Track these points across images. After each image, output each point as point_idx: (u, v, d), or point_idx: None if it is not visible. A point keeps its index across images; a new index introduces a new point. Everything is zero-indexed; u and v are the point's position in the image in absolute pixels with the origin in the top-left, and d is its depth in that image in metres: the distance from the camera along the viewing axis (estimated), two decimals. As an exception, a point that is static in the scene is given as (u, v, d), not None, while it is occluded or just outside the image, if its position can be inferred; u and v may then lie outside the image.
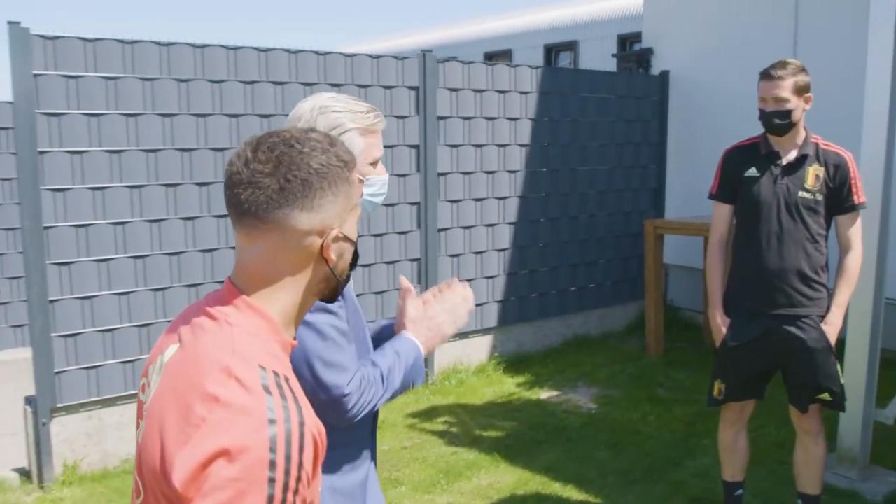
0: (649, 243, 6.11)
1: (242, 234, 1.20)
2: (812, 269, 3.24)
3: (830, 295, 3.29)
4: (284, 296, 1.21)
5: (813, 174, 3.22)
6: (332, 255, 1.23)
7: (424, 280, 5.63)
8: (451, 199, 5.75)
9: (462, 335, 5.94)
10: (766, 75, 3.19)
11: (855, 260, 3.27)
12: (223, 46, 4.75)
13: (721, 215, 3.43)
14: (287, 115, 4.83)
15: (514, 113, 5.99)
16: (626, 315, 6.92)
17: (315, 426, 1.12)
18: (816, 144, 3.27)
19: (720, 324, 3.38)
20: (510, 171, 6.03)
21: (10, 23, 4.11)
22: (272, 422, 1.06)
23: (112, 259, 4.46)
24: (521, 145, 6.06)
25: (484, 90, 5.83)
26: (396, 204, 5.47)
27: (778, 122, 3.17)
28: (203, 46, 4.68)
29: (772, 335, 3.27)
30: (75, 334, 4.37)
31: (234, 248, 4.92)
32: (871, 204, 3.80)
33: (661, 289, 6.17)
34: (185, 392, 1.11)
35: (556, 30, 11.54)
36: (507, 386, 5.69)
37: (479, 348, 6.08)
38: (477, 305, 5.96)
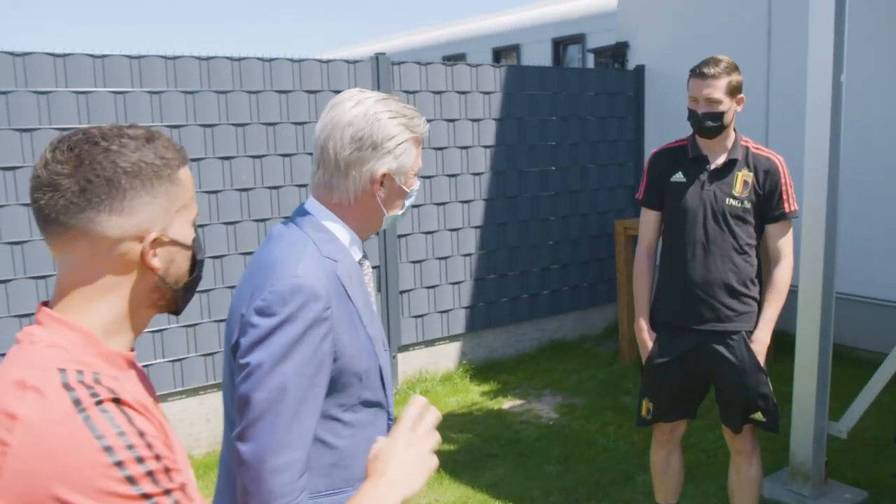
0: (620, 244, 5.93)
1: (51, 244, 1.10)
2: (740, 281, 3.04)
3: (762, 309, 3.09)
4: (103, 307, 1.11)
5: (742, 180, 3.02)
6: (157, 263, 1.12)
7: (385, 287, 5.50)
8: (412, 205, 5.59)
9: (428, 343, 5.81)
10: (697, 73, 2.97)
11: (785, 272, 3.06)
12: (195, 57, 4.71)
13: (648, 222, 3.24)
14: (235, 124, 4.82)
15: (476, 114, 5.83)
16: (604, 318, 6.73)
17: (133, 399, 1.03)
18: (747, 148, 3.07)
19: (646, 339, 3.20)
20: (474, 174, 5.87)
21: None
22: (83, 410, 0.97)
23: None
24: (486, 147, 5.90)
25: (443, 91, 5.67)
26: (352, 211, 5.34)
27: (710, 124, 2.96)
28: (175, 58, 4.64)
29: (699, 351, 3.09)
30: None
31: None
32: (817, 200, 3.62)
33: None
34: None
35: (564, 23, 11.41)
36: (472, 395, 5.54)
37: (447, 356, 5.94)
38: (443, 312, 5.84)
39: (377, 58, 5.37)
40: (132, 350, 1.18)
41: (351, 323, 1.60)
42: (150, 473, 0.98)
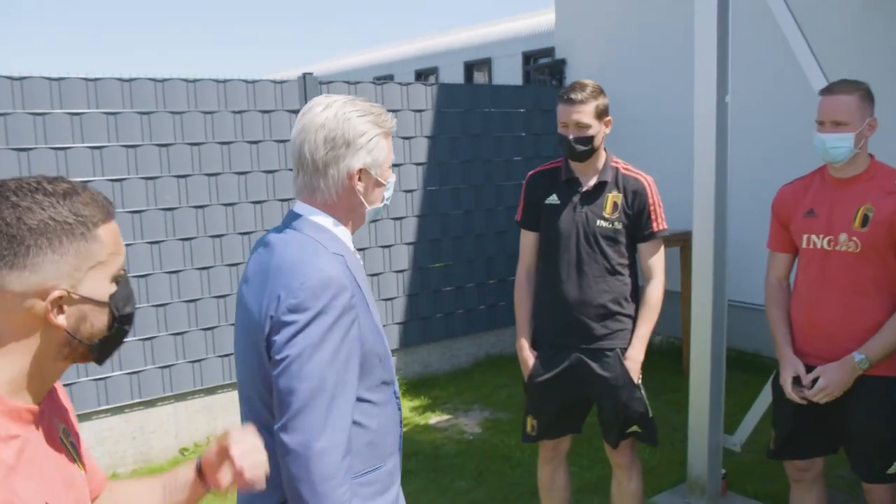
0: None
1: None
2: (613, 300, 3.11)
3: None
4: (5, 363, 1.10)
5: (611, 201, 3.10)
6: (62, 320, 1.12)
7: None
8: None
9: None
10: (565, 99, 3.03)
11: (656, 290, 3.14)
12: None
13: (527, 243, 3.31)
14: (158, 145, 4.89)
15: (408, 132, 5.90)
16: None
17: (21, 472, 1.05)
18: (617, 169, 3.14)
19: (526, 357, 3.26)
20: (406, 191, 5.94)
21: None
22: None
23: None
24: (418, 164, 5.98)
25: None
26: (281, 229, 5.40)
27: (580, 148, 3.03)
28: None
29: (577, 369, 3.15)
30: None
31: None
32: (706, 212, 3.69)
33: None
34: None
35: (534, 37, 11.66)
36: (402, 411, 5.58)
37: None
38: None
39: (304, 77, 5.44)
40: (40, 404, 1.18)
41: (366, 310, 1.73)
42: None
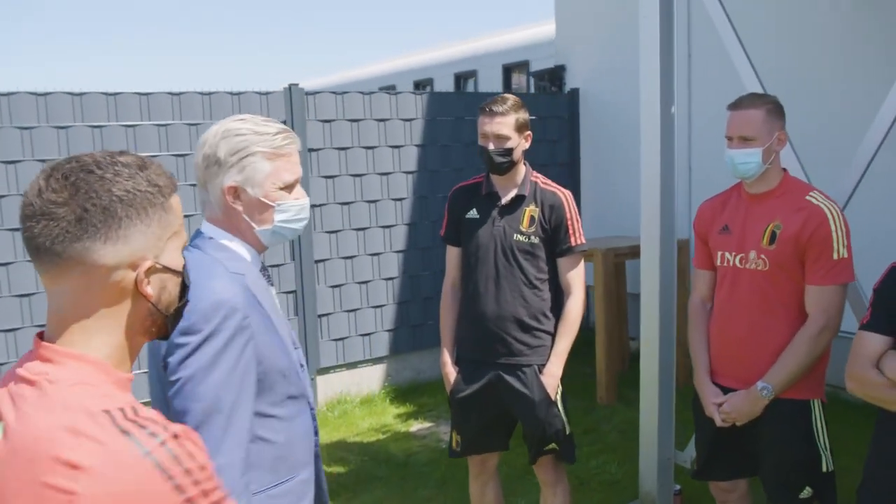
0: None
1: (44, 274, 1.10)
2: (531, 315, 3.09)
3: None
4: (104, 337, 1.11)
5: (528, 215, 3.09)
6: (150, 290, 1.13)
7: (302, 311, 5.65)
8: (329, 230, 5.75)
9: (350, 365, 5.94)
10: (486, 111, 3.04)
11: (575, 305, 3.11)
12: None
13: (451, 259, 3.32)
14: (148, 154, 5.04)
15: (397, 140, 5.95)
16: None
17: (183, 429, 1.08)
18: (536, 184, 3.14)
19: (448, 372, 3.27)
20: (396, 199, 5.99)
21: None
22: (148, 453, 1.00)
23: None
24: (407, 172, 6.02)
25: (361, 119, 5.81)
26: (267, 237, 5.50)
27: (499, 159, 3.03)
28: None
29: (496, 385, 3.15)
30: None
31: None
32: (652, 217, 3.65)
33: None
34: (30, 483, 0.99)
35: (512, 51, 12.53)
36: (387, 417, 5.64)
37: (370, 378, 6.05)
38: (365, 335, 5.96)
39: (290, 88, 5.54)
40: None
41: (266, 328, 1.75)
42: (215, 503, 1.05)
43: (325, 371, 5.82)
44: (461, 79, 13.16)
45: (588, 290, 6.61)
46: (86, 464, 0.97)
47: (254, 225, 1.84)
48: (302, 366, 1.99)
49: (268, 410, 1.77)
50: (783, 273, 2.66)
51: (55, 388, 1.04)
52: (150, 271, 1.13)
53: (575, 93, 6.72)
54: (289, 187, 1.85)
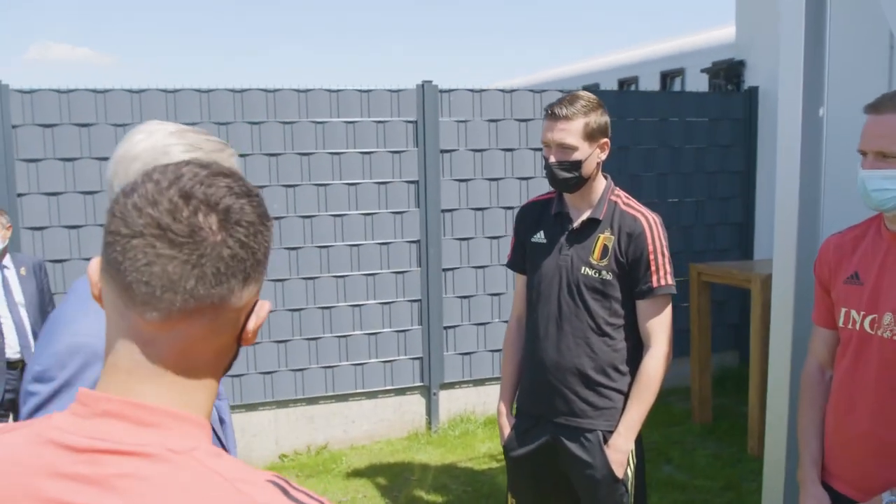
0: (693, 291, 5.24)
1: (155, 317, 0.83)
2: (598, 369, 2.52)
3: None
4: (203, 395, 0.89)
5: (601, 244, 2.52)
6: (255, 337, 0.94)
7: (427, 322, 5.34)
8: (460, 237, 5.39)
9: (476, 382, 5.55)
10: (549, 113, 2.49)
11: (654, 362, 2.49)
12: (196, 90, 4.89)
13: (518, 290, 2.80)
14: (268, 154, 4.95)
15: (538, 143, 5.45)
16: (720, 364, 5.95)
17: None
18: (615, 204, 2.56)
19: (503, 425, 2.74)
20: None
21: (-9, 80, 4.58)
22: None
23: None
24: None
25: (500, 119, 5.39)
26: (392, 242, 5.25)
27: (563, 174, 2.47)
28: (175, 91, 4.85)
29: (553, 448, 2.61)
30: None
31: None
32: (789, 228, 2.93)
33: (706, 345, 5.26)
34: None
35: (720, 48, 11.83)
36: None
37: (497, 396, 5.61)
38: (495, 351, 5.53)
39: (423, 85, 5.22)
40: None
41: None
42: None
43: (448, 386, 5.48)
44: (667, 77, 12.62)
45: (732, 327, 5.85)
46: None
47: None
48: (223, 421, 1.68)
49: None
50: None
51: (188, 461, 0.80)
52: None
53: (753, 91, 5.86)
54: None
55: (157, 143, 1.49)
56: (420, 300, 5.34)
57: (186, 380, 0.86)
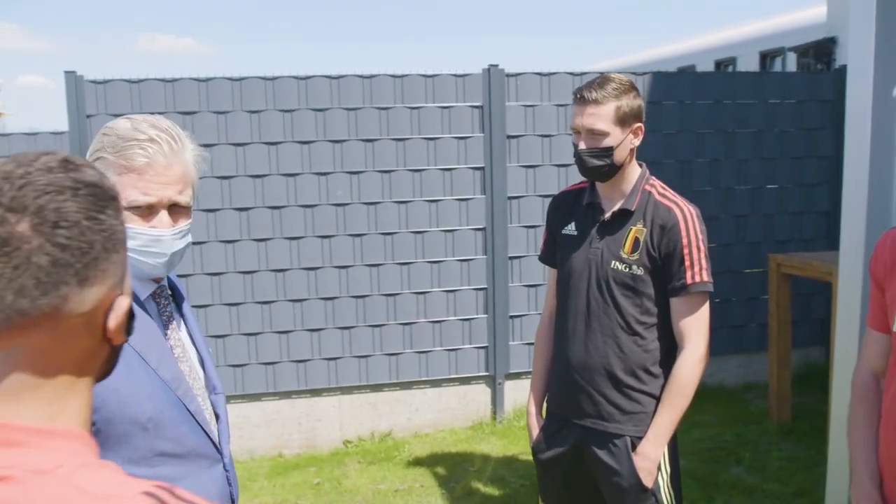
0: (772, 283, 4.96)
1: None
2: (627, 370, 2.38)
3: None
4: (75, 402, 0.84)
5: (633, 237, 2.37)
6: (122, 334, 0.89)
7: (493, 310, 5.25)
8: (527, 225, 5.27)
9: (543, 372, 5.43)
10: (577, 97, 2.35)
11: (687, 365, 2.33)
12: (261, 78, 4.93)
13: (550, 284, 2.67)
14: (332, 140, 4.94)
15: (610, 127, 5.27)
16: (804, 360, 5.66)
17: None
18: (650, 194, 2.40)
19: (532, 425, 2.63)
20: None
21: (66, 72, 4.73)
22: None
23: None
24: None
25: (569, 104, 5.20)
26: (457, 229, 5.18)
27: (594, 162, 2.33)
28: (241, 79, 4.90)
29: (581, 452, 2.48)
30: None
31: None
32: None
33: (786, 340, 4.98)
34: None
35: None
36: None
37: (565, 388, 5.49)
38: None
39: (489, 70, 5.11)
40: None
41: (125, 365, 1.37)
42: None
43: (514, 376, 5.38)
44: (766, 57, 12.22)
45: (818, 322, 5.50)
46: None
47: None
48: (218, 417, 1.66)
49: (124, 469, 1.40)
50: None
51: (59, 475, 0.76)
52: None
53: (843, 71, 5.48)
54: (140, 210, 1.48)
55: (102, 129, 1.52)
56: (485, 288, 5.25)
57: (50, 392, 0.82)
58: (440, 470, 4.65)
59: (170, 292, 1.66)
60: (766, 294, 5.22)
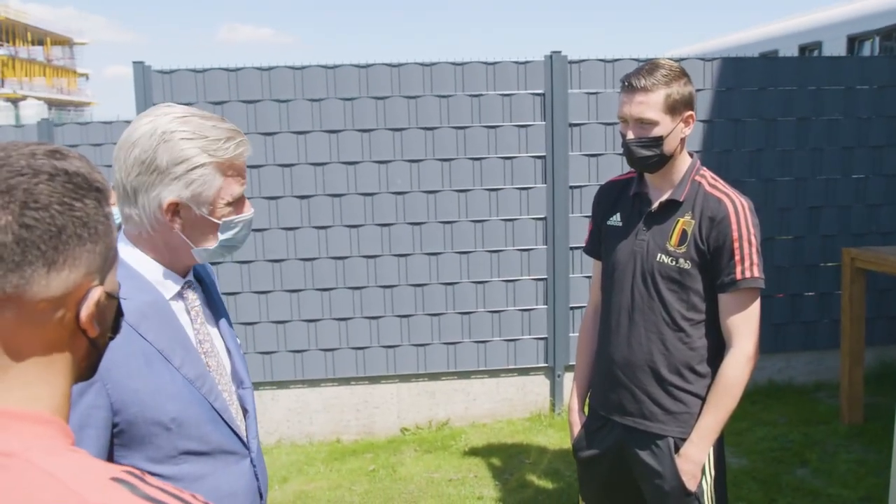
0: (846, 278, 4.74)
1: None
2: (672, 368, 2.29)
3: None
4: (48, 390, 0.84)
5: (680, 229, 2.28)
6: (95, 326, 0.87)
7: (552, 301, 5.18)
8: (589, 215, 5.13)
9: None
10: (625, 85, 2.26)
11: (734, 364, 2.23)
12: (322, 66, 4.95)
13: (595, 277, 2.61)
14: (392, 129, 4.93)
15: (676, 115, 5.11)
16: (879, 359, 5.41)
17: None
18: (700, 185, 2.30)
19: (573, 422, 2.58)
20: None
21: (134, 62, 4.85)
22: None
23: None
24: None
25: (634, 91, 5.08)
26: (517, 218, 5.12)
27: (642, 152, 2.24)
28: (302, 68, 4.94)
29: (622, 451, 2.41)
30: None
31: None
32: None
33: (859, 338, 4.76)
34: None
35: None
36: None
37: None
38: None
39: (552, 56, 5.02)
40: None
41: (147, 366, 1.44)
42: None
43: (573, 368, 5.29)
44: (855, 41, 11.61)
45: (873, 321, 5.24)
46: None
47: (191, 244, 1.52)
48: (246, 411, 1.65)
49: (148, 468, 1.41)
50: None
51: (28, 460, 0.77)
52: (98, 303, 0.87)
53: (931, 54, 5.20)
54: (237, 201, 1.53)
55: (158, 128, 1.47)
56: (546, 279, 5.19)
57: (18, 377, 0.82)
58: (495, 461, 4.63)
59: (197, 284, 1.66)
60: (839, 289, 5.00)
